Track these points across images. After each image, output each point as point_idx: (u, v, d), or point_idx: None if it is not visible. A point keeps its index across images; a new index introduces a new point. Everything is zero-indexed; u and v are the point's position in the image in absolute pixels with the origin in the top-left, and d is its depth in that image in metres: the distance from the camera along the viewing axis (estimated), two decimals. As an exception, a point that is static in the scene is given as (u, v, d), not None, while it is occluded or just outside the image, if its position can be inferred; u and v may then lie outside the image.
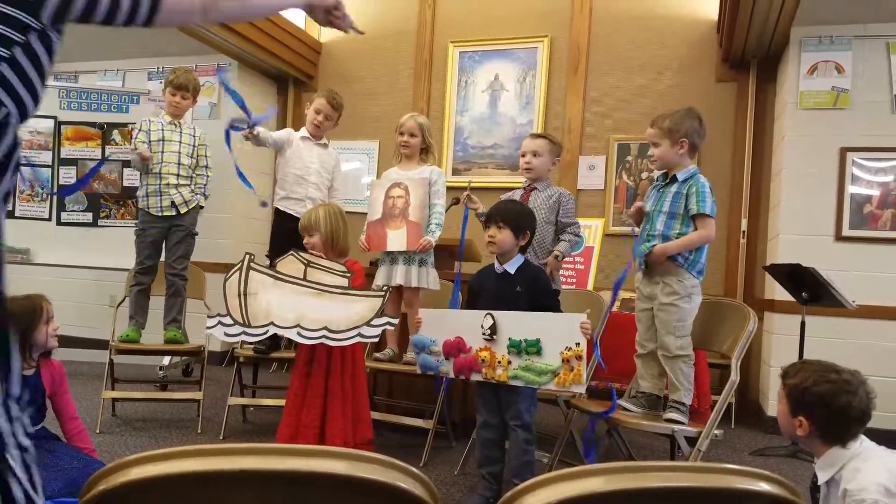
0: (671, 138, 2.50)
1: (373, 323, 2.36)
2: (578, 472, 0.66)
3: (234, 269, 2.39)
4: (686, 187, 2.47)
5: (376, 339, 2.48)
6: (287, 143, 3.56)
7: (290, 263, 2.44)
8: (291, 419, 2.48)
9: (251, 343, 3.27)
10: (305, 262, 2.43)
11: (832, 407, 1.49)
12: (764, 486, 0.67)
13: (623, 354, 2.81)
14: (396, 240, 3.16)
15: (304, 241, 2.68)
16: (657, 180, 2.63)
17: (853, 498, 1.41)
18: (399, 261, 3.17)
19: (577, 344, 2.15)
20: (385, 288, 2.48)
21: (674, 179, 2.51)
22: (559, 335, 2.19)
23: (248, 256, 2.39)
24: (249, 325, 2.35)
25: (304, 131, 3.65)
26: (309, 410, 2.45)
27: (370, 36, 5.67)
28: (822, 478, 1.51)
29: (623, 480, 0.64)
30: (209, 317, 2.39)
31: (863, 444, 1.51)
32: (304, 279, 2.41)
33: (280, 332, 2.37)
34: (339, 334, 2.32)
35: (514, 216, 2.44)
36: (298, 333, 2.33)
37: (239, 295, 2.35)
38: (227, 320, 2.34)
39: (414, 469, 0.64)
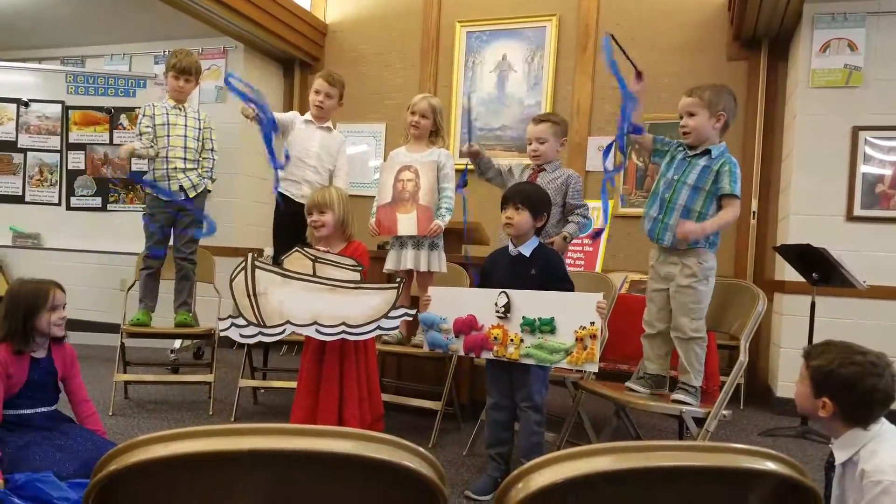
0: (710, 110, 2.43)
1: (391, 315, 2.38)
2: (585, 452, 0.66)
3: (238, 269, 2.38)
4: (717, 164, 2.42)
5: (395, 331, 2.50)
6: (290, 125, 3.55)
7: (296, 260, 2.42)
8: (305, 402, 2.49)
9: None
10: (313, 257, 2.42)
11: (858, 389, 1.47)
12: (771, 466, 0.67)
13: (632, 336, 2.81)
14: (407, 224, 3.15)
15: (313, 219, 2.63)
16: (681, 149, 2.54)
17: (870, 479, 1.41)
18: (408, 245, 3.16)
19: (592, 323, 2.15)
20: (399, 280, 2.47)
21: (706, 152, 2.45)
22: (574, 314, 2.18)
23: (250, 255, 2.39)
24: (265, 326, 2.34)
25: (308, 115, 3.64)
26: (327, 395, 2.46)
27: (376, 16, 5.63)
28: (839, 458, 1.50)
29: (629, 459, 0.64)
30: (220, 319, 2.39)
31: (882, 425, 1.50)
32: (314, 275, 2.40)
33: (298, 330, 2.36)
34: (358, 328, 2.34)
35: (533, 198, 2.42)
36: (317, 331, 2.33)
37: (248, 295, 2.34)
38: (241, 321, 2.34)
39: (421, 449, 0.64)
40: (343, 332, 2.33)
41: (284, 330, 2.35)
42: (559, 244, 2.97)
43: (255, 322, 2.33)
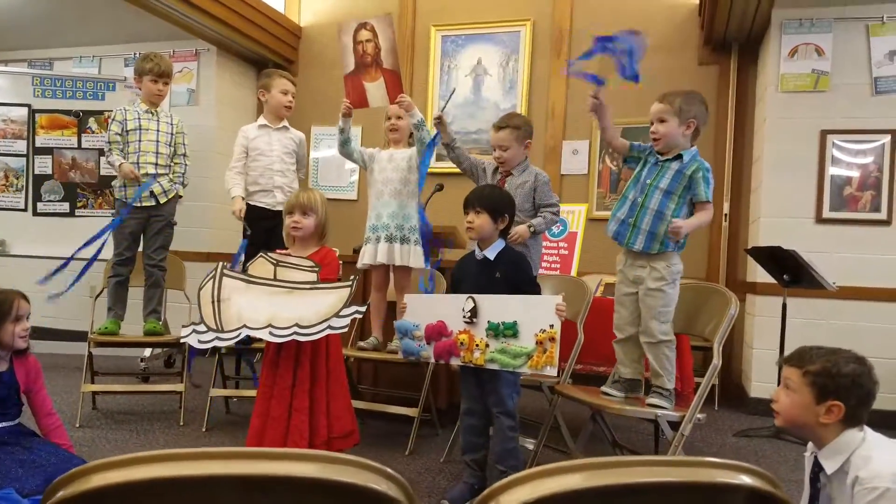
0: (680, 117, 2.44)
1: (342, 313, 2.31)
2: (558, 469, 0.64)
3: (207, 278, 2.36)
4: (690, 169, 2.42)
5: (345, 330, 2.44)
6: (247, 147, 3.66)
7: (260, 266, 2.41)
8: (262, 410, 2.43)
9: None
10: (274, 261, 2.41)
11: (863, 386, 1.46)
12: (745, 479, 0.66)
13: (608, 338, 2.81)
14: (376, 94, 3.06)
15: (294, 219, 2.55)
16: (653, 154, 2.53)
17: (865, 486, 1.37)
18: (382, 239, 3.12)
19: (552, 326, 2.15)
20: (353, 277, 2.43)
21: (677, 157, 2.46)
22: (535, 317, 2.18)
23: (220, 265, 2.38)
24: (222, 331, 2.30)
25: (261, 120, 3.71)
26: (278, 402, 2.39)
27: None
28: (831, 467, 1.46)
29: (602, 477, 0.63)
30: (184, 326, 2.34)
31: (867, 430, 1.48)
32: (275, 279, 2.38)
33: (252, 333, 2.31)
34: (309, 329, 2.28)
35: (491, 200, 2.42)
36: (270, 333, 2.28)
37: (212, 302, 2.32)
38: (201, 328, 2.30)
39: (388, 470, 0.62)
40: (294, 332, 2.27)
41: (240, 334, 2.29)
42: (522, 232, 2.91)
43: (214, 328, 2.30)
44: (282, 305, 2.33)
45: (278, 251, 2.50)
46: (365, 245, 3.20)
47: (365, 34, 3.05)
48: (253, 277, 2.38)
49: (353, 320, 2.40)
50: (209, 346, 2.32)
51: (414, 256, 3.11)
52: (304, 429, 2.36)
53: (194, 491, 0.59)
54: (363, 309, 2.42)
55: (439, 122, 3.11)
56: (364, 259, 3.16)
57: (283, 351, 2.41)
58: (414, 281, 3.12)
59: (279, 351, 2.42)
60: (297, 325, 2.28)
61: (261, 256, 2.43)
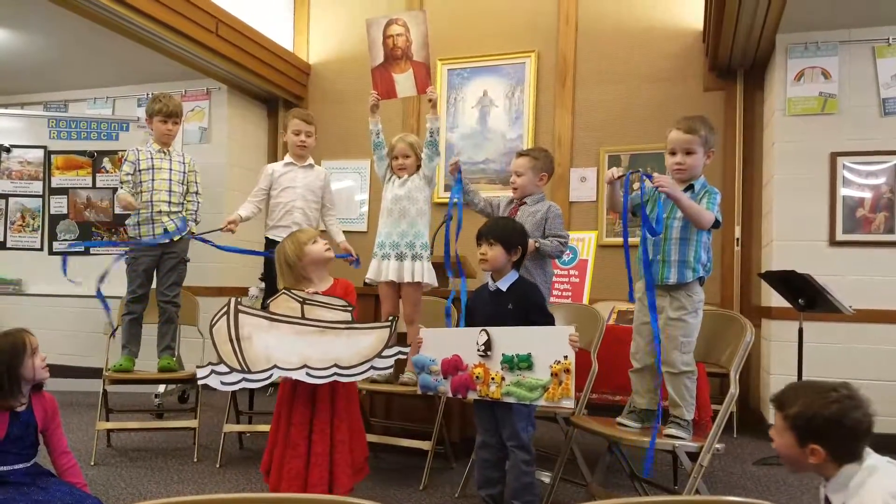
0: (705, 147, 2.43)
1: (384, 354, 2.29)
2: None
3: (219, 315, 2.24)
4: (701, 194, 2.43)
5: (390, 371, 2.40)
6: (272, 182, 3.71)
7: (283, 303, 2.32)
8: (302, 451, 2.34)
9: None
10: (301, 299, 2.32)
11: (845, 426, 1.41)
12: (764, 517, 0.65)
13: (621, 366, 2.78)
14: (405, 84, 3.11)
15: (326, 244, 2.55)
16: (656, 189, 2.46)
17: None
18: (391, 256, 3.10)
19: (566, 357, 2.13)
20: (392, 318, 2.39)
21: (690, 187, 2.45)
22: (549, 349, 2.16)
23: (233, 300, 2.27)
24: (249, 371, 2.21)
25: (287, 158, 3.74)
26: (320, 438, 2.32)
27: (358, 54, 5.68)
28: (837, 501, 1.42)
29: (619, 516, 0.62)
30: (199, 367, 2.23)
31: (870, 458, 1.43)
32: (303, 317, 2.31)
33: (285, 374, 2.23)
34: (350, 370, 2.24)
35: (504, 232, 2.43)
36: (307, 374, 2.22)
37: (231, 340, 2.22)
38: (222, 368, 2.20)
39: (402, 512, 0.61)
40: (335, 374, 2.23)
41: (271, 374, 2.22)
42: (528, 246, 2.90)
43: (239, 368, 2.22)
44: (315, 345, 2.25)
45: (305, 289, 2.41)
46: (372, 259, 3.19)
47: (396, 28, 3.12)
48: (277, 315, 2.29)
49: (397, 361, 2.37)
50: (235, 387, 2.24)
51: (425, 272, 3.08)
52: (324, 475, 2.30)
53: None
54: (407, 350, 2.40)
55: (455, 167, 3.13)
56: (369, 274, 3.16)
57: (299, 390, 2.35)
58: (437, 314, 3.09)
59: (296, 387, 2.36)
60: (336, 365, 2.24)
61: (284, 293, 2.34)
